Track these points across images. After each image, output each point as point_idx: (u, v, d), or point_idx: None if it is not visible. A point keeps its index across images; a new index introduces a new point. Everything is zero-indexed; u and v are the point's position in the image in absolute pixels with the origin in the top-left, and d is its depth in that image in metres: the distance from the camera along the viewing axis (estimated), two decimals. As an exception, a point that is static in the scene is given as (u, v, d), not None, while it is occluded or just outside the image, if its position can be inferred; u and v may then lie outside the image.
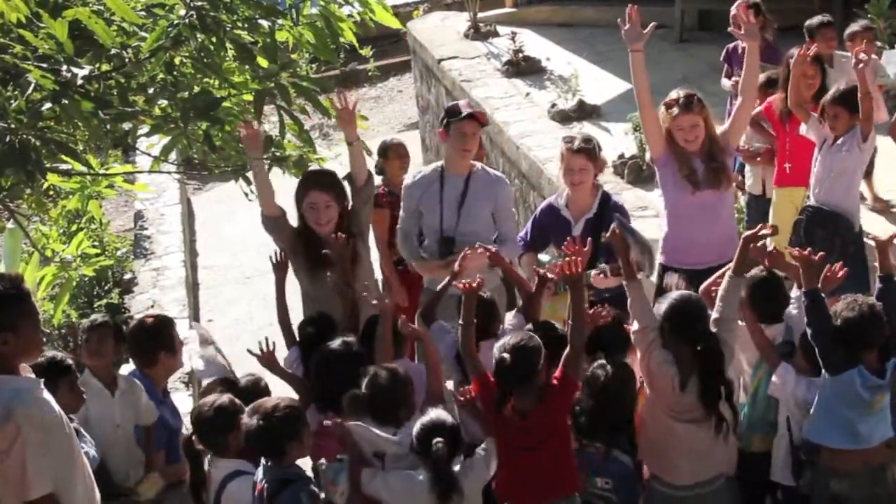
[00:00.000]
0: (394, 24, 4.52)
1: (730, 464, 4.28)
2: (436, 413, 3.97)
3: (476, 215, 5.54)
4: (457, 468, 3.92)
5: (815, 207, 5.77)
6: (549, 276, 4.82)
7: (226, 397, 4.35)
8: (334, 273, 5.06)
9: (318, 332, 4.81)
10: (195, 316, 9.31)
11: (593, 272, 5.25)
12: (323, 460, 4.07)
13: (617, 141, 8.60)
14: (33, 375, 3.51)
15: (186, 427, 4.97)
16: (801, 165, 6.11)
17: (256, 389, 4.77)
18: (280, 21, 4.25)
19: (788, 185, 6.30)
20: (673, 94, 5.37)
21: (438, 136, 5.68)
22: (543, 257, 5.68)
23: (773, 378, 4.33)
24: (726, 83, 7.53)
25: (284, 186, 5.31)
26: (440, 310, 5.09)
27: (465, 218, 5.52)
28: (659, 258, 5.62)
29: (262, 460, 4.00)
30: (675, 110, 5.26)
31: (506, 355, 4.02)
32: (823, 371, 4.11)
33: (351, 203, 5.28)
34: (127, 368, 5.01)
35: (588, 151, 5.42)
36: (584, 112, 9.63)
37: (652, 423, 4.17)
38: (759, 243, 4.40)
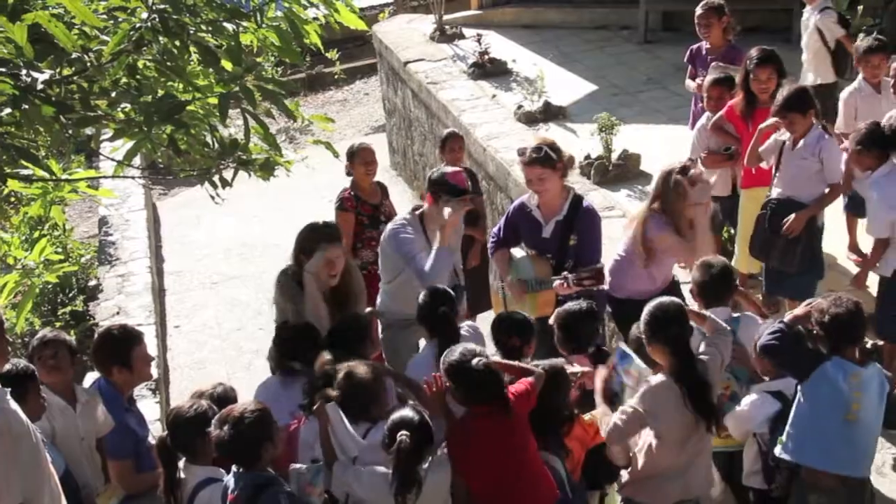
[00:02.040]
0: (359, 24, 4.49)
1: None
2: (406, 410, 4.02)
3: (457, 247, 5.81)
4: (425, 465, 3.95)
5: (778, 200, 5.82)
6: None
7: (205, 403, 4.31)
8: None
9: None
10: (162, 322, 9.24)
11: (557, 280, 5.28)
12: (298, 465, 4.06)
13: (583, 142, 8.64)
14: (-2, 385, 3.46)
15: (153, 435, 4.92)
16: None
17: (227, 399, 4.72)
18: (244, 24, 4.21)
19: (755, 186, 6.33)
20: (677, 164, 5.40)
21: (426, 199, 5.65)
22: (517, 253, 5.69)
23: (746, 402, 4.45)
24: (690, 84, 7.58)
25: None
26: (397, 335, 5.47)
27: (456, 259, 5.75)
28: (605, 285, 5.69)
29: (234, 468, 3.95)
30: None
31: (480, 360, 4.06)
32: (798, 386, 4.17)
33: None
34: (92, 376, 4.96)
35: (540, 161, 5.39)
36: (551, 113, 9.66)
37: (654, 460, 4.21)
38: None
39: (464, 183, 5.54)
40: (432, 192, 5.54)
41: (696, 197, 5.24)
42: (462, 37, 12.23)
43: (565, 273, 5.26)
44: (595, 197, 7.75)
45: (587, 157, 8.39)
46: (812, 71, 7.87)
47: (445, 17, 12.58)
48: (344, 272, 5.40)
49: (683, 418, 4.09)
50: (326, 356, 4.49)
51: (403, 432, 3.87)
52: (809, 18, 7.78)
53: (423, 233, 5.55)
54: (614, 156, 8.27)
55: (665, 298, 4.29)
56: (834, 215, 5.75)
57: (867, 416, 4.10)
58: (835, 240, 5.86)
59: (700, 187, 5.28)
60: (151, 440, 4.98)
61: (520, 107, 9.82)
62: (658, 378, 4.15)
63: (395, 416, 3.99)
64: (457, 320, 4.88)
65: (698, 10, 7.37)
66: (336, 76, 15.70)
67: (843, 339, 4.10)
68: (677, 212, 5.27)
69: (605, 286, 5.40)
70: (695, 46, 7.62)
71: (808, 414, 4.13)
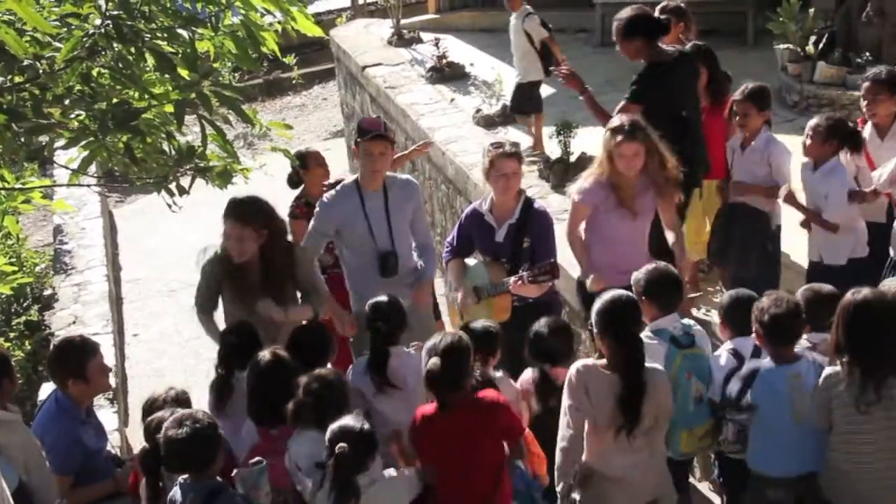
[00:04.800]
0: (315, 32, 4.46)
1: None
2: (349, 419, 3.90)
3: (402, 225, 5.58)
4: (368, 474, 3.87)
5: (732, 205, 5.89)
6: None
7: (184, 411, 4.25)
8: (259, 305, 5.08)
9: (240, 342, 4.76)
10: (120, 330, 9.13)
11: (512, 279, 5.27)
12: (242, 469, 4.03)
13: (543, 145, 8.67)
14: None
15: (112, 445, 4.85)
16: None
17: (183, 402, 4.67)
18: (200, 31, 4.18)
19: None
20: (617, 120, 5.31)
21: (353, 151, 5.71)
22: (470, 262, 5.69)
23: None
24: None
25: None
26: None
27: (395, 231, 5.54)
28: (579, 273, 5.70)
29: (180, 479, 3.88)
30: (619, 137, 5.17)
31: (436, 360, 4.04)
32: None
33: (278, 234, 5.20)
34: (48, 387, 4.88)
35: (518, 156, 5.45)
36: (509, 117, 9.70)
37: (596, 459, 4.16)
38: None
39: (378, 125, 5.55)
40: (355, 141, 5.58)
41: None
42: (420, 41, 12.25)
43: (521, 272, 5.26)
44: (554, 200, 7.80)
45: (546, 159, 8.43)
46: (522, 70, 8.91)
47: (403, 22, 12.59)
48: (269, 256, 5.14)
49: (609, 408, 4.01)
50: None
51: (342, 444, 3.77)
52: (516, 23, 8.82)
53: (358, 196, 5.52)
54: (573, 158, 8.32)
55: (622, 292, 4.19)
56: (789, 217, 5.81)
57: (812, 412, 4.17)
58: (789, 239, 5.93)
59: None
60: (111, 450, 4.91)
61: (478, 110, 9.85)
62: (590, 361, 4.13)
63: (335, 426, 3.85)
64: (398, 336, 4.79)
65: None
66: (294, 81, 15.65)
67: (781, 338, 4.21)
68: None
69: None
70: (654, 48, 7.69)
71: (760, 424, 4.25)
